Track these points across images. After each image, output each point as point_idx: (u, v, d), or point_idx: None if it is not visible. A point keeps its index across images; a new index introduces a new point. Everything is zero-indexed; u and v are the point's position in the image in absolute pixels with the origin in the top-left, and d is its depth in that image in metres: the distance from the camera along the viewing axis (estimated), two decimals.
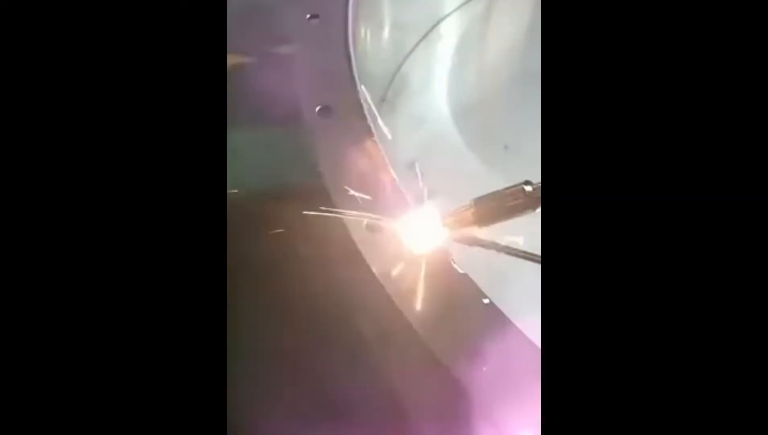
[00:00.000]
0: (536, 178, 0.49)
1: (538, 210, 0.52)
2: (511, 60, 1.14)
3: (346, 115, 0.64)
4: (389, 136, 0.64)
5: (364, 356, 0.52)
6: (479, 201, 0.55)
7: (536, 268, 0.47)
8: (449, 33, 1.10)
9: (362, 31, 0.78)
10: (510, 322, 0.52)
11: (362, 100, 0.65)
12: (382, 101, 1.02)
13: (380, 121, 0.65)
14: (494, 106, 1.05)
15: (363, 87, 0.66)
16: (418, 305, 0.53)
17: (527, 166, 0.52)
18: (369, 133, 0.63)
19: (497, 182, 0.56)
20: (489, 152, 0.93)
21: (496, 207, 0.54)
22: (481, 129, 0.84)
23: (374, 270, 0.55)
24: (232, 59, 0.62)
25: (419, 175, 0.61)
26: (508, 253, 0.53)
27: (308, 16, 0.68)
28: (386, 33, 0.93)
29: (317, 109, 0.64)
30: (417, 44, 1.06)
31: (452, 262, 0.55)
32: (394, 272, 0.55)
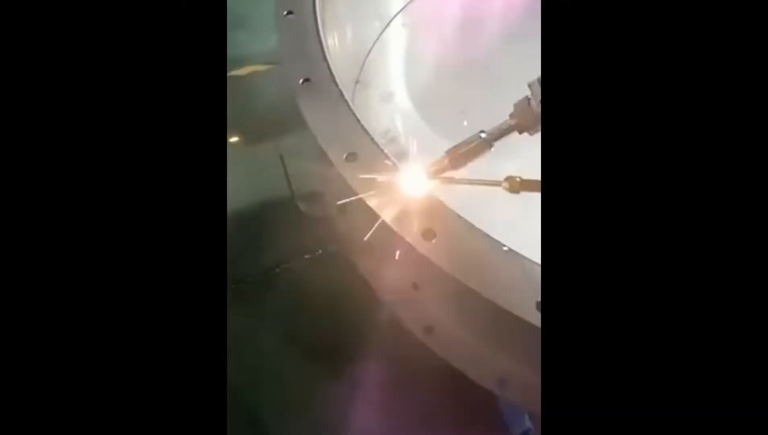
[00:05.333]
0: None
1: (493, 149, 0.70)
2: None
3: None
4: None
5: None
6: (450, 150, 0.72)
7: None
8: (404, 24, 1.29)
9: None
10: None
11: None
12: (356, 83, 1.20)
13: None
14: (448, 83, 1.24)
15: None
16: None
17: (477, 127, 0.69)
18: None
19: (454, 141, 0.70)
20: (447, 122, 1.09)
21: (463, 152, 0.72)
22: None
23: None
24: None
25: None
26: (480, 184, 0.71)
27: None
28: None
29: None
30: (381, 33, 1.24)
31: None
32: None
